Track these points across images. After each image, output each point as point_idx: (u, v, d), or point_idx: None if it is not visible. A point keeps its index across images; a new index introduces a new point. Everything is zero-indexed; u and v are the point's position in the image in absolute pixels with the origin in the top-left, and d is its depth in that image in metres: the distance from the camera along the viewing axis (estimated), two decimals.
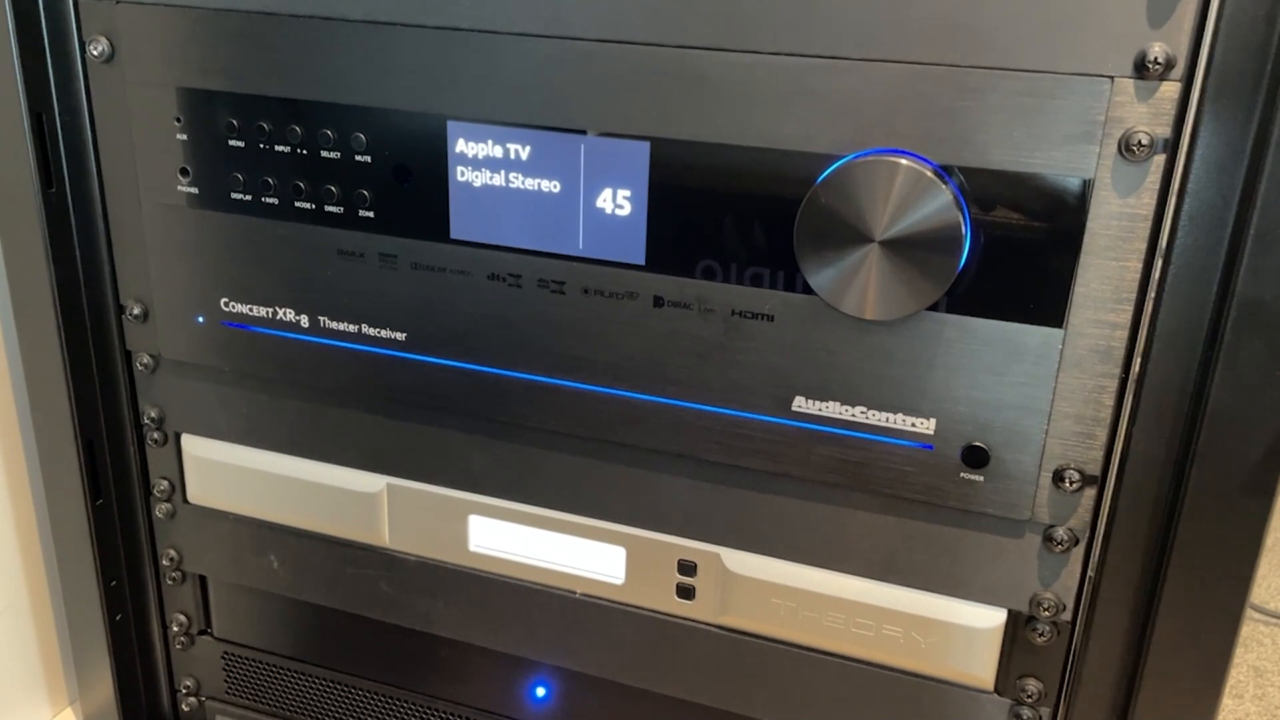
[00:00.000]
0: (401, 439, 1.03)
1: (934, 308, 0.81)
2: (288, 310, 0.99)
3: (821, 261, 0.80)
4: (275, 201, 0.96)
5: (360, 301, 0.97)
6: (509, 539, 1.03)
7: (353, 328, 0.98)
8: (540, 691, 1.11)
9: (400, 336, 0.97)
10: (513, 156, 0.88)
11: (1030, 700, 0.91)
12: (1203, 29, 0.70)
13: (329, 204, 0.94)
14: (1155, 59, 0.71)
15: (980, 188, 0.77)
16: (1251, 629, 1.60)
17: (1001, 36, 0.74)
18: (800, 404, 0.87)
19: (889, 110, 0.78)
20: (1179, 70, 0.71)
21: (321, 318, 0.98)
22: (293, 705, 1.23)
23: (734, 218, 0.84)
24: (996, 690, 0.92)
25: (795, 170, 0.81)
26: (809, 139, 0.80)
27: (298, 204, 0.95)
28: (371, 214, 0.93)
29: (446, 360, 0.96)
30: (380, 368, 0.99)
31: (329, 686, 1.20)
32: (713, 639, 0.99)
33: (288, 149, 0.94)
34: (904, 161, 0.77)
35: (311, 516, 1.10)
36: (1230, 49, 0.70)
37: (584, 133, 0.86)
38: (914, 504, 0.88)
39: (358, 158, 0.92)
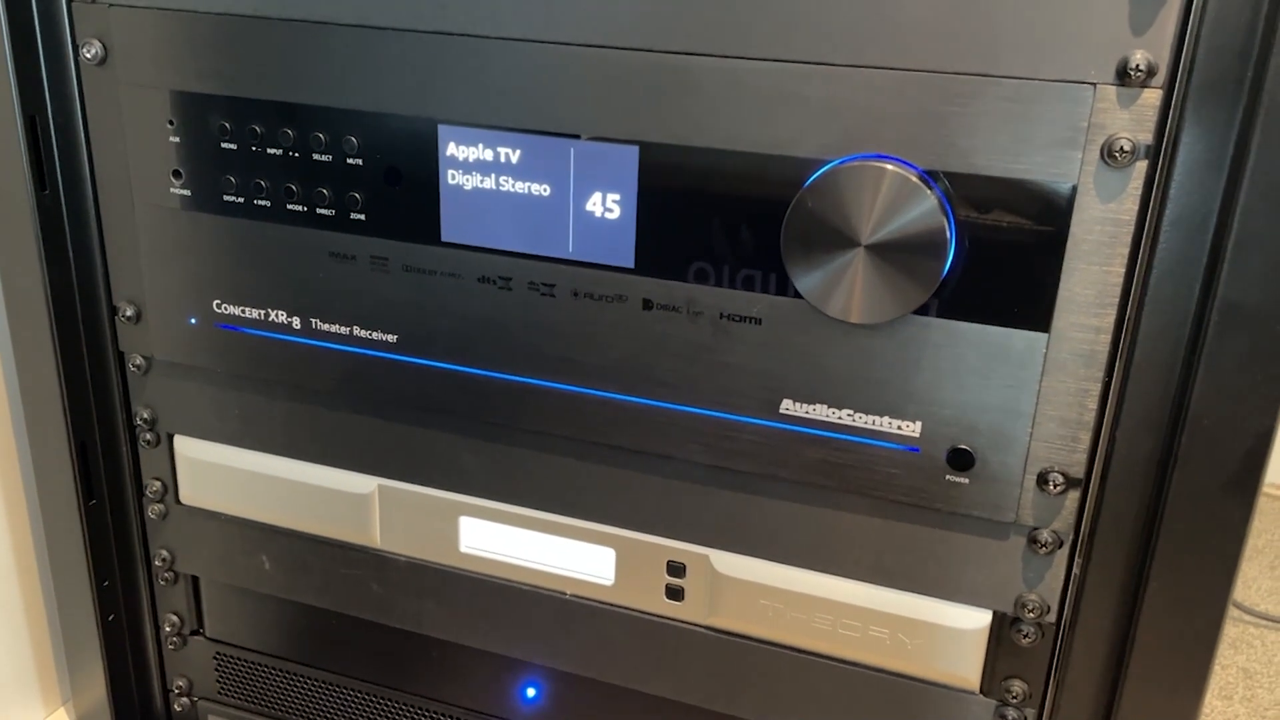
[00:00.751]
0: (393, 440, 1.04)
1: (920, 311, 0.81)
2: (280, 312, 1.00)
3: (808, 265, 0.81)
4: (267, 204, 0.96)
5: (352, 303, 0.97)
6: (499, 540, 1.03)
7: (344, 329, 0.98)
8: (530, 692, 1.12)
9: (391, 338, 0.97)
10: (503, 160, 0.88)
11: (1015, 701, 0.91)
12: (1184, 36, 0.71)
13: (321, 207, 0.94)
14: (1137, 66, 0.71)
15: (965, 192, 0.78)
16: (1241, 630, 1.61)
17: (986, 43, 0.74)
18: (788, 406, 0.88)
19: (875, 115, 0.78)
20: (1161, 77, 0.72)
21: (313, 319, 0.99)
22: (285, 706, 1.23)
23: (722, 221, 0.84)
24: (982, 691, 0.93)
25: (782, 174, 0.81)
26: (796, 143, 0.81)
27: (289, 206, 0.95)
28: (363, 216, 0.94)
29: (437, 362, 0.97)
30: (372, 369, 0.99)
31: (321, 687, 1.20)
32: (702, 640, 1.00)
33: (280, 152, 0.94)
34: (890, 166, 0.77)
35: (303, 517, 1.10)
36: (1211, 56, 0.70)
37: (574, 136, 0.86)
38: (900, 506, 0.89)
39: (349, 161, 0.92)
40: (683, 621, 1.00)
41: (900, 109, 0.77)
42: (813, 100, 0.79)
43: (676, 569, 0.98)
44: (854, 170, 0.78)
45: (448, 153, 0.90)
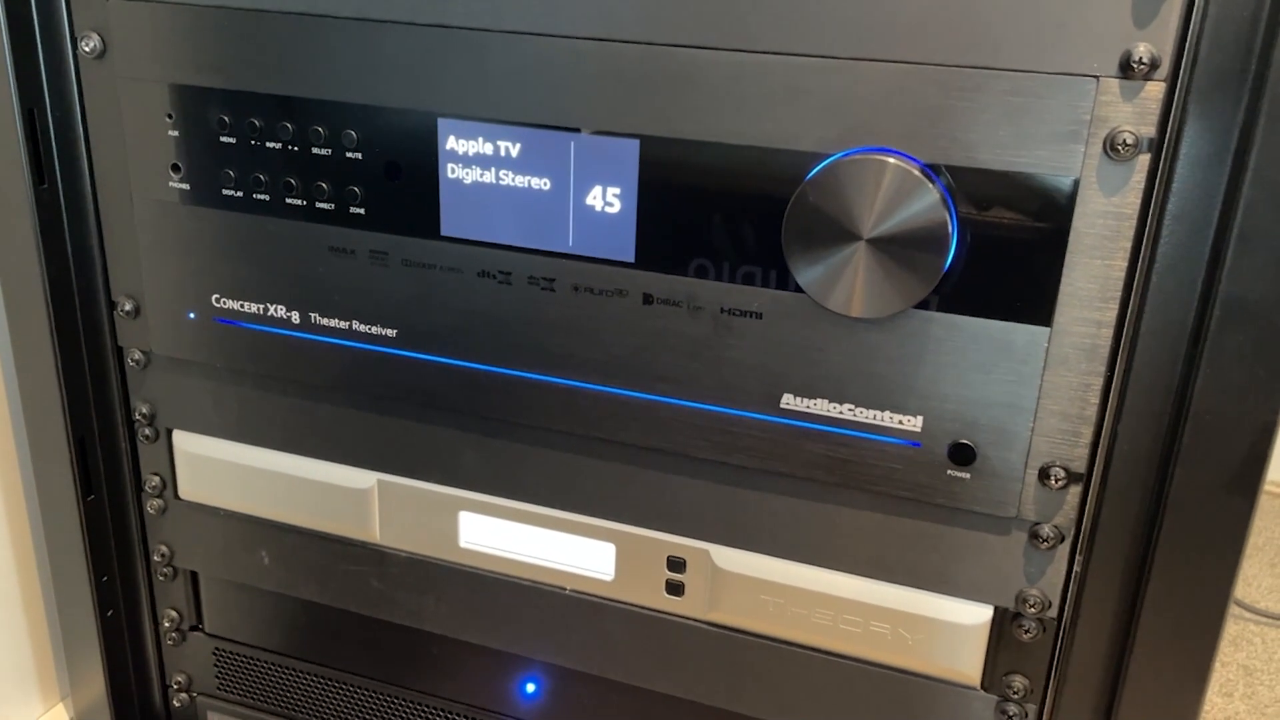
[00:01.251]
0: (392, 435, 1.04)
1: (922, 306, 0.81)
2: (279, 307, 1.00)
3: (809, 259, 0.81)
4: (266, 198, 0.96)
5: (351, 298, 0.97)
6: (499, 535, 1.03)
7: (344, 324, 0.98)
8: (530, 688, 1.11)
9: (391, 333, 0.97)
10: (503, 154, 0.88)
11: (1016, 696, 0.91)
12: (1187, 29, 0.71)
13: (320, 201, 0.94)
14: (1140, 59, 0.71)
15: (967, 186, 0.78)
16: (1242, 628, 1.61)
17: (989, 36, 0.74)
18: (789, 401, 0.88)
19: (877, 109, 0.78)
20: (1164, 70, 0.72)
21: (313, 314, 0.99)
22: (284, 701, 1.23)
23: (723, 215, 0.84)
24: (983, 686, 0.93)
25: (784, 168, 0.81)
26: (797, 137, 0.80)
27: (289, 201, 0.95)
28: (363, 211, 0.94)
29: (437, 357, 0.97)
30: (371, 364, 0.99)
31: (320, 682, 1.20)
32: (702, 635, 1.00)
33: (279, 146, 0.94)
34: (891, 160, 0.77)
35: (302, 512, 1.10)
36: (1214, 49, 0.70)
37: (575, 130, 0.86)
38: (902, 501, 0.88)
39: (349, 155, 0.92)
40: (683, 617, 1.00)
41: (902, 102, 0.77)
42: (814, 94, 0.79)
43: (677, 564, 0.98)
44: (856, 164, 0.78)
45: (447, 146, 0.89)
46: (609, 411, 0.93)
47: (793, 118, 0.80)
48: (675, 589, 0.99)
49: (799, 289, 0.83)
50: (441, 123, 0.89)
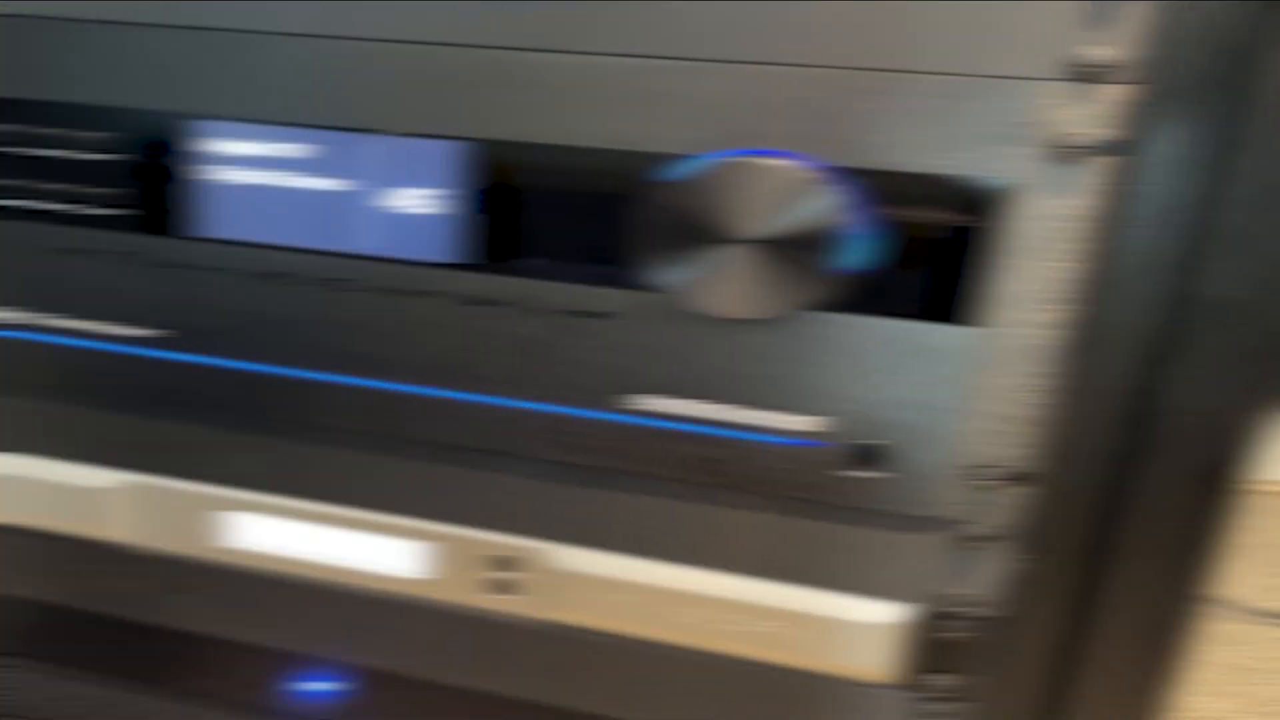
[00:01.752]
0: (148, 435, 0.94)
1: (822, 307, 0.76)
2: (5, 310, 0.90)
3: (673, 261, 0.75)
4: None
5: (98, 299, 0.88)
6: (278, 535, 0.95)
7: (90, 326, 0.89)
8: (319, 686, 1.04)
9: (148, 334, 0.88)
10: (281, 156, 0.80)
11: (939, 696, 0.89)
12: (1138, 30, 0.67)
13: (56, 202, 0.85)
14: (1090, 61, 0.68)
15: (873, 189, 0.72)
16: (1234, 629, 1.67)
17: (911, 36, 0.70)
18: (646, 401, 0.82)
19: (758, 112, 0.72)
20: (1116, 72, 0.68)
21: (48, 317, 0.90)
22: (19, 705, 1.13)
23: (560, 215, 0.78)
24: (901, 686, 0.89)
25: (632, 170, 0.75)
26: (654, 140, 0.74)
27: (17, 203, 0.86)
28: (113, 211, 0.84)
29: (203, 358, 0.88)
30: (122, 366, 0.90)
31: (61, 686, 1.10)
32: (537, 635, 0.94)
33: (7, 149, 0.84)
34: (771, 162, 0.71)
35: (33, 514, 1.00)
36: (1168, 50, 0.68)
37: (375, 131, 0.78)
38: (797, 502, 0.84)
39: (96, 156, 0.83)
40: (513, 616, 0.93)
41: (791, 106, 0.72)
42: (678, 97, 0.73)
43: (503, 563, 0.91)
44: (726, 166, 0.72)
45: (208, 148, 0.81)
46: (418, 411, 0.86)
47: (649, 121, 0.74)
48: (502, 587, 0.92)
49: (651, 289, 0.77)
50: (200, 124, 0.81)
